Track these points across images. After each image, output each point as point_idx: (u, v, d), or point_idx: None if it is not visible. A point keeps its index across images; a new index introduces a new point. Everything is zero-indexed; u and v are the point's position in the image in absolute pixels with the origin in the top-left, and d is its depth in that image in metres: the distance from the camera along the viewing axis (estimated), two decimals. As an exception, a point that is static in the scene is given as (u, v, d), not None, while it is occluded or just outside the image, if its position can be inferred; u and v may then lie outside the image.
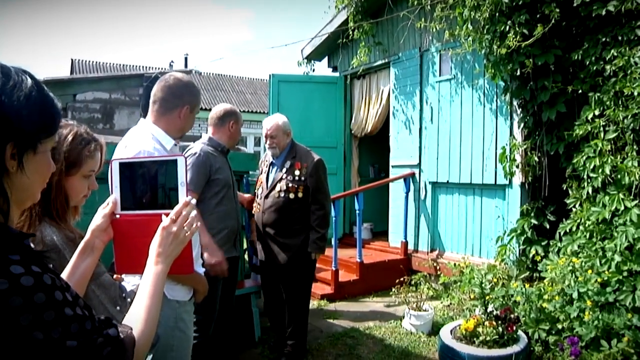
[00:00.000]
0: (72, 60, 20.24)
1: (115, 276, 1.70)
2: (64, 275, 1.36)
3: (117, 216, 1.42)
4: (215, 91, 21.55)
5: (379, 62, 7.85)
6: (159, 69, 18.06)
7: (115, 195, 1.42)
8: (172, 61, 23.38)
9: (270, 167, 4.43)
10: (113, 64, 21.45)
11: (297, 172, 4.28)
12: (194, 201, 1.40)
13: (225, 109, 3.96)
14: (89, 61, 20.84)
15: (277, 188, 4.29)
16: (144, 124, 2.46)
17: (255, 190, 4.58)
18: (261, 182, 4.47)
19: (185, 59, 23.98)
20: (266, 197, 4.34)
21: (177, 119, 2.46)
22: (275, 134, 4.34)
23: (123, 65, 21.24)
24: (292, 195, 4.28)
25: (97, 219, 1.41)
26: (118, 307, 1.61)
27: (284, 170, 4.32)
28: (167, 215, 1.35)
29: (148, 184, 1.42)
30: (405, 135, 7.34)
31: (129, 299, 1.61)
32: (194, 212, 1.38)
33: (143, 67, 19.07)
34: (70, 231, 1.62)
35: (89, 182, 1.70)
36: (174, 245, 1.32)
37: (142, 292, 1.25)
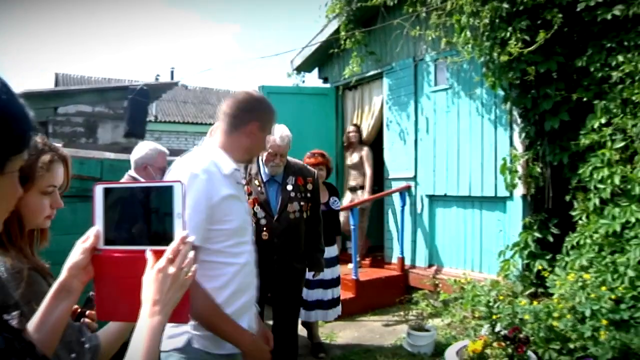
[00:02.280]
0: (56, 74, 19.91)
1: (86, 320, 1.43)
2: (33, 321, 1.12)
3: (99, 252, 1.18)
4: (202, 105, 21.30)
5: (372, 72, 7.66)
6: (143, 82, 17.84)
7: (97, 226, 1.18)
8: (158, 75, 23.12)
9: (267, 186, 3.81)
10: (98, 77, 21.16)
11: (302, 189, 3.86)
12: (192, 237, 1.16)
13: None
14: (74, 75, 20.52)
15: (290, 208, 3.77)
16: (206, 143, 2.14)
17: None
18: (254, 204, 3.74)
19: (172, 72, 23.72)
20: (277, 220, 3.74)
21: (244, 138, 2.09)
22: (285, 151, 3.81)
23: (109, 79, 20.96)
24: (305, 215, 3.87)
25: (75, 255, 1.17)
26: (73, 355, 1.31)
27: (290, 187, 3.82)
28: (158, 252, 1.12)
29: (138, 214, 1.20)
30: (400, 147, 7.13)
31: (87, 345, 1.32)
32: (192, 252, 1.15)
33: (129, 80, 18.81)
34: (22, 260, 1.34)
35: (52, 199, 1.41)
36: (173, 291, 1.09)
37: (135, 350, 1.01)
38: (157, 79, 20.74)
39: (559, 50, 4.87)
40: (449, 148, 6.37)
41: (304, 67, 8.85)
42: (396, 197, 7.00)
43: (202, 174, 1.91)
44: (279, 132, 3.73)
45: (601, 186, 4.44)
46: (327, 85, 8.74)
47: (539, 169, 5.10)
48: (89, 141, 8.43)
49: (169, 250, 1.11)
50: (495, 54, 5.03)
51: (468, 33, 5.24)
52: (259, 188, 3.77)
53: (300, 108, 8.16)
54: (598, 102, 4.55)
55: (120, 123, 8.12)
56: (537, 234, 5.11)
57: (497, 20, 4.99)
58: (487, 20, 4.98)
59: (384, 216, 7.43)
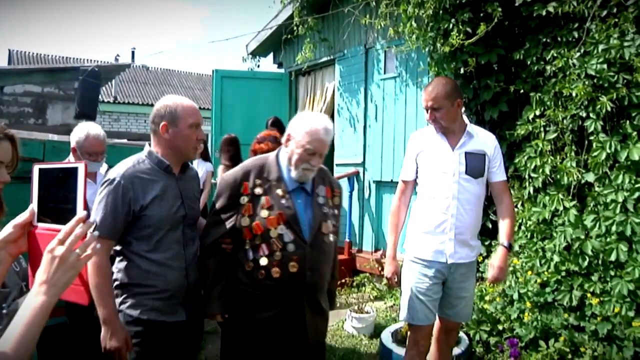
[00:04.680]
0: (9, 50, 19.36)
1: None
2: None
3: (33, 228, 1.26)
4: (162, 86, 21.03)
5: (324, 59, 7.74)
6: (99, 62, 17.49)
7: (33, 204, 1.26)
8: (117, 55, 22.71)
9: (292, 196, 2.58)
10: (55, 56, 20.64)
11: (331, 203, 2.74)
12: (91, 219, 1.22)
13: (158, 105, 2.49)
14: (29, 52, 19.98)
15: (325, 229, 2.63)
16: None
17: (256, 233, 2.51)
18: (278, 222, 2.49)
19: (133, 52, 23.30)
20: (312, 245, 2.53)
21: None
22: (327, 151, 2.63)
23: (66, 57, 20.46)
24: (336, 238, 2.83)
25: (7, 229, 1.25)
26: None
27: (322, 200, 2.67)
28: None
29: (60, 194, 1.25)
30: (350, 134, 7.25)
31: (4, 311, 1.38)
32: (95, 232, 1.19)
33: (88, 60, 18.41)
34: None
35: None
36: (60, 272, 1.12)
37: (14, 327, 1.06)
38: (117, 59, 20.38)
39: (499, 42, 5.01)
40: (396, 135, 6.50)
41: (259, 51, 8.86)
42: (345, 183, 7.12)
43: None
44: (322, 123, 2.54)
45: (534, 175, 4.62)
46: (282, 71, 8.77)
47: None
48: (38, 122, 8.28)
49: (62, 231, 1.15)
50: (438, 45, 5.16)
51: (413, 23, 5.35)
52: (284, 200, 2.53)
53: (254, 93, 8.21)
54: (534, 94, 4.72)
55: (71, 104, 7.97)
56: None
57: (441, 12, 5.11)
58: (431, 12, 5.10)
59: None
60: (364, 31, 6.95)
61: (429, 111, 3.10)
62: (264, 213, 2.48)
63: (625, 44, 4.14)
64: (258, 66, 8.91)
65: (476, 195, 3.13)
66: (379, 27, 6.07)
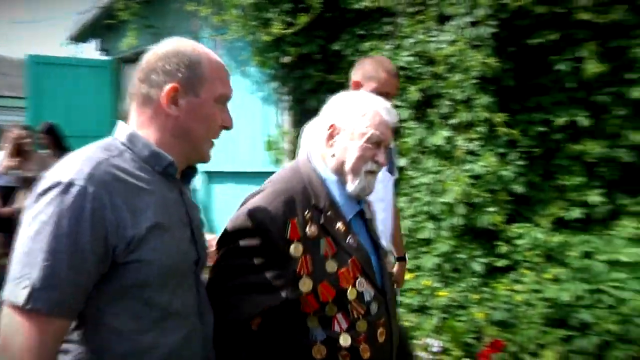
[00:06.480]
0: None
1: None
2: None
3: None
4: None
5: (152, 47, 7.44)
6: None
7: None
8: None
9: (353, 228, 1.68)
10: None
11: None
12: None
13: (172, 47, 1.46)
14: None
15: (389, 265, 2.05)
16: None
17: (325, 300, 1.55)
18: (354, 276, 1.59)
19: None
20: (383, 291, 1.69)
21: None
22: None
23: None
24: None
25: None
26: None
27: (367, 220, 1.80)
28: None
29: None
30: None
31: None
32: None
33: None
34: None
35: None
36: None
37: None
38: None
39: (321, 33, 5.19)
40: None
41: (81, 36, 8.33)
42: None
43: None
44: (379, 100, 1.73)
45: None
46: (108, 58, 8.32)
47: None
48: None
49: None
50: (261, 34, 5.21)
51: (235, 11, 5.34)
52: (350, 238, 1.63)
53: (76, 81, 7.71)
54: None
55: None
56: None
57: (262, 1, 5.16)
58: (252, 0, 5.12)
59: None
60: (190, 18, 6.79)
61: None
62: (330, 266, 1.55)
63: (430, 39, 4.50)
64: (82, 52, 8.39)
65: None
66: (205, 14, 5.98)
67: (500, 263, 4.09)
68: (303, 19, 4.90)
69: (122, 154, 1.30)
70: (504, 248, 4.08)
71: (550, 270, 3.79)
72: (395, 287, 2.62)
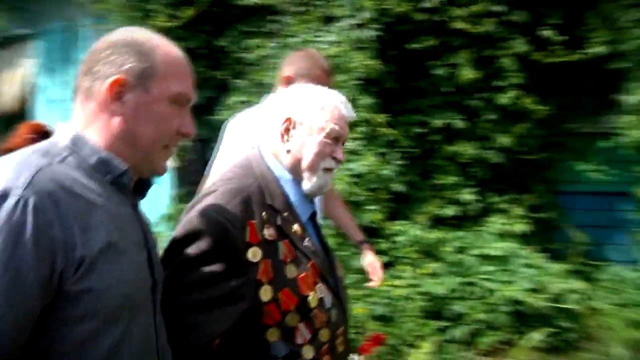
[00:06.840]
0: None
1: None
2: None
3: None
4: None
5: (22, 32, 6.92)
6: None
7: None
8: None
9: (307, 230, 1.55)
10: None
11: None
12: None
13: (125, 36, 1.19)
14: None
15: (340, 271, 1.80)
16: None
17: (287, 309, 1.41)
18: (314, 281, 1.46)
19: None
20: (340, 297, 1.58)
21: None
22: None
23: None
24: None
25: None
26: None
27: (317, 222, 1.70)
28: None
29: None
30: (57, 118, 6.59)
31: None
32: None
33: None
34: None
35: None
36: None
37: None
38: None
39: (207, 29, 5.09)
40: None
41: None
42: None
43: None
44: (336, 94, 1.61)
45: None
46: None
47: (187, 142, 5.30)
48: None
49: None
50: (144, 26, 5.02)
51: (116, 0, 5.12)
52: (307, 240, 1.52)
53: None
54: (235, 82, 4.91)
55: None
56: (184, 205, 5.31)
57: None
58: (136, -9, 4.94)
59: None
60: (67, 6, 6.40)
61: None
62: (290, 271, 1.42)
63: (315, 39, 4.56)
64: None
65: None
66: (83, 0, 5.66)
67: (380, 260, 4.24)
68: (188, 13, 4.79)
69: (65, 160, 1.05)
70: (384, 245, 4.21)
71: (427, 265, 3.98)
72: (377, 280, 2.66)
